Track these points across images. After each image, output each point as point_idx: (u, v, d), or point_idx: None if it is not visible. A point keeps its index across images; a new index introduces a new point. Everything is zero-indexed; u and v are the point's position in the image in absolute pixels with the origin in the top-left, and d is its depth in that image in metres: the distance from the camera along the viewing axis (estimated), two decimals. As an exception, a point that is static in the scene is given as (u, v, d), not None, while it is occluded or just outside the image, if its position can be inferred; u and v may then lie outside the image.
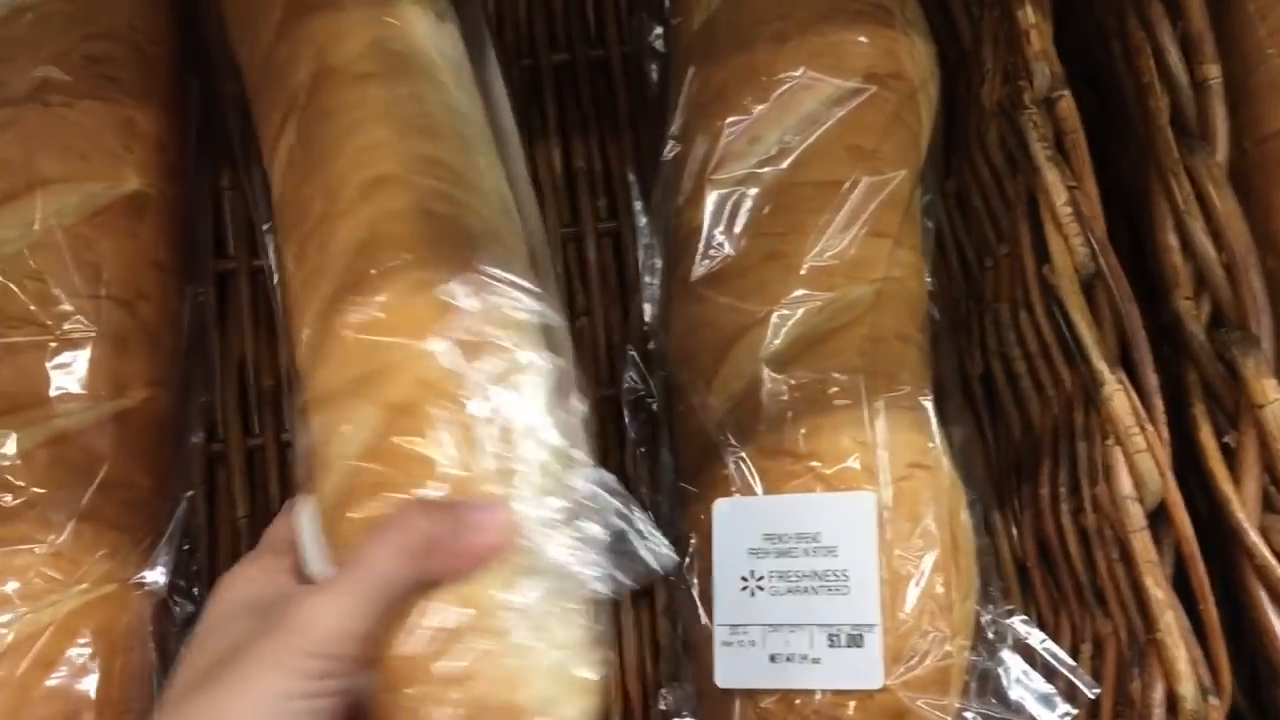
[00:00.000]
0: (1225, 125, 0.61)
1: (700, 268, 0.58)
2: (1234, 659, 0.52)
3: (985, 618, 0.57)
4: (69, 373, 0.54)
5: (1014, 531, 0.63)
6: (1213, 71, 0.61)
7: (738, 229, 0.58)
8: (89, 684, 0.51)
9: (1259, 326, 0.58)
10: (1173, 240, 0.61)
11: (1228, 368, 0.58)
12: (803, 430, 0.55)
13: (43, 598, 0.51)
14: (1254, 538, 0.54)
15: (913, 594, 0.52)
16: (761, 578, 0.53)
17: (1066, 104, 0.60)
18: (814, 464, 0.54)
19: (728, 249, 0.58)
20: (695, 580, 0.56)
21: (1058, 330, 0.59)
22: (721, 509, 0.55)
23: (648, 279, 0.63)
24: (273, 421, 0.64)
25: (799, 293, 0.56)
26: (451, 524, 0.40)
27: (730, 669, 0.53)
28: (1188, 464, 0.56)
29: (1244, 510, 0.55)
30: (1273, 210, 0.61)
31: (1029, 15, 0.60)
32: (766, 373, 0.56)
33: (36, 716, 0.50)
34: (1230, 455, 0.57)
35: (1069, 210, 0.58)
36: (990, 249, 0.65)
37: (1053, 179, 0.58)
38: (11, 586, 0.51)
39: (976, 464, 0.62)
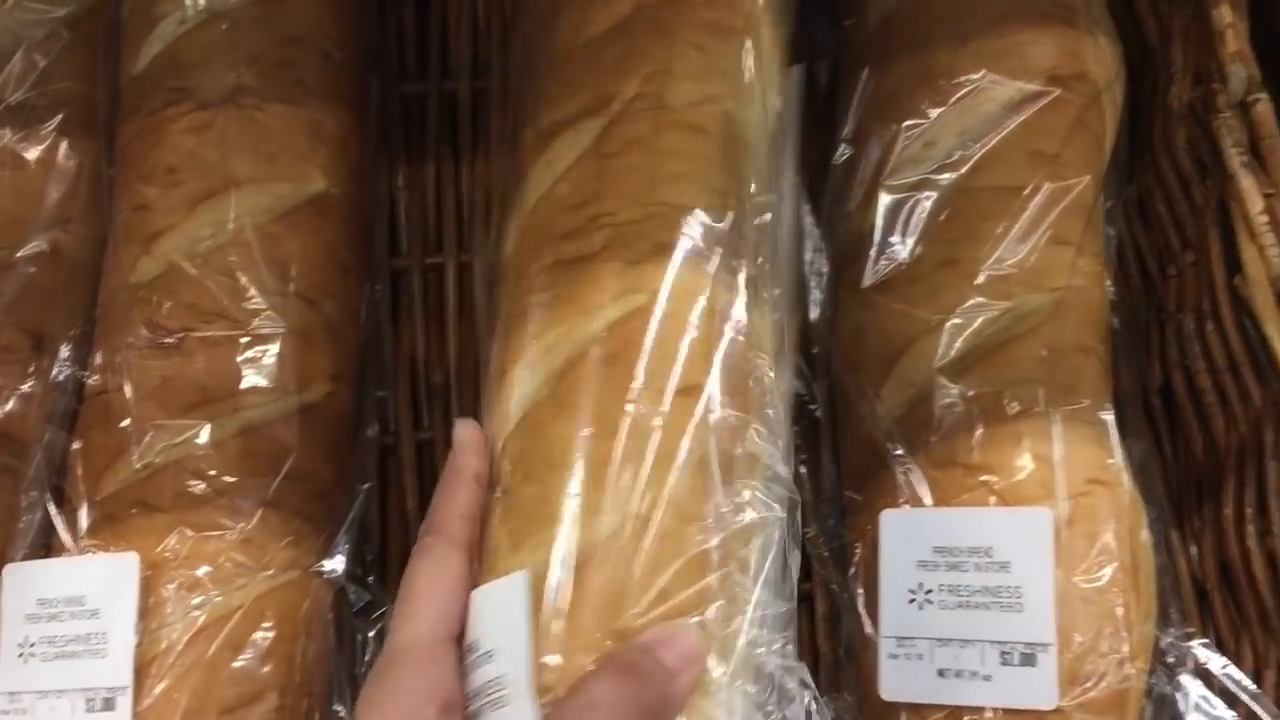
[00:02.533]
0: None
1: (871, 274, 0.57)
2: None
3: (1164, 640, 0.55)
4: (258, 367, 0.56)
5: (1194, 551, 0.61)
6: None
7: (911, 235, 0.57)
8: (273, 667, 0.53)
9: None
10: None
11: None
12: (976, 442, 0.53)
13: (231, 582, 0.53)
14: None
15: (1090, 614, 0.50)
16: (930, 590, 0.52)
17: (1263, 108, 0.57)
18: (988, 477, 0.53)
19: (901, 255, 0.57)
20: (860, 590, 0.55)
21: (1248, 343, 0.57)
22: (890, 520, 0.54)
23: (813, 284, 0.63)
24: (442, 416, 0.66)
25: (975, 301, 0.55)
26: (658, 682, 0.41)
27: (896, 681, 0.52)
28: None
29: None
30: None
31: (1225, 14, 0.58)
32: (939, 381, 0.55)
33: (224, 696, 0.52)
34: None
35: (1265, 219, 0.55)
36: (1174, 257, 0.63)
37: (1247, 185, 0.56)
38: (203, 570, 0.53)
39: (1156, 480, 0.60)
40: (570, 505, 0.47)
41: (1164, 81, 0.63)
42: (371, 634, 0.57)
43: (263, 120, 0.59)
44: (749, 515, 0.49)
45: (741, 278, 0.52)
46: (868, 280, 0.57)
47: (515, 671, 0.44)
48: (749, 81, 0.56)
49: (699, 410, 0.49)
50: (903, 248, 0.57)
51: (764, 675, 0.48)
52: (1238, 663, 0.56)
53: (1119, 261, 0.65)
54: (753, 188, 0.55)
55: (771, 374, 0.52)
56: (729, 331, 0.51)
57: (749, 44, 0.56)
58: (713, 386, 0.49)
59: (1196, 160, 0.61)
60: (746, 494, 0.49)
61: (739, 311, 0.51)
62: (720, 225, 0.52)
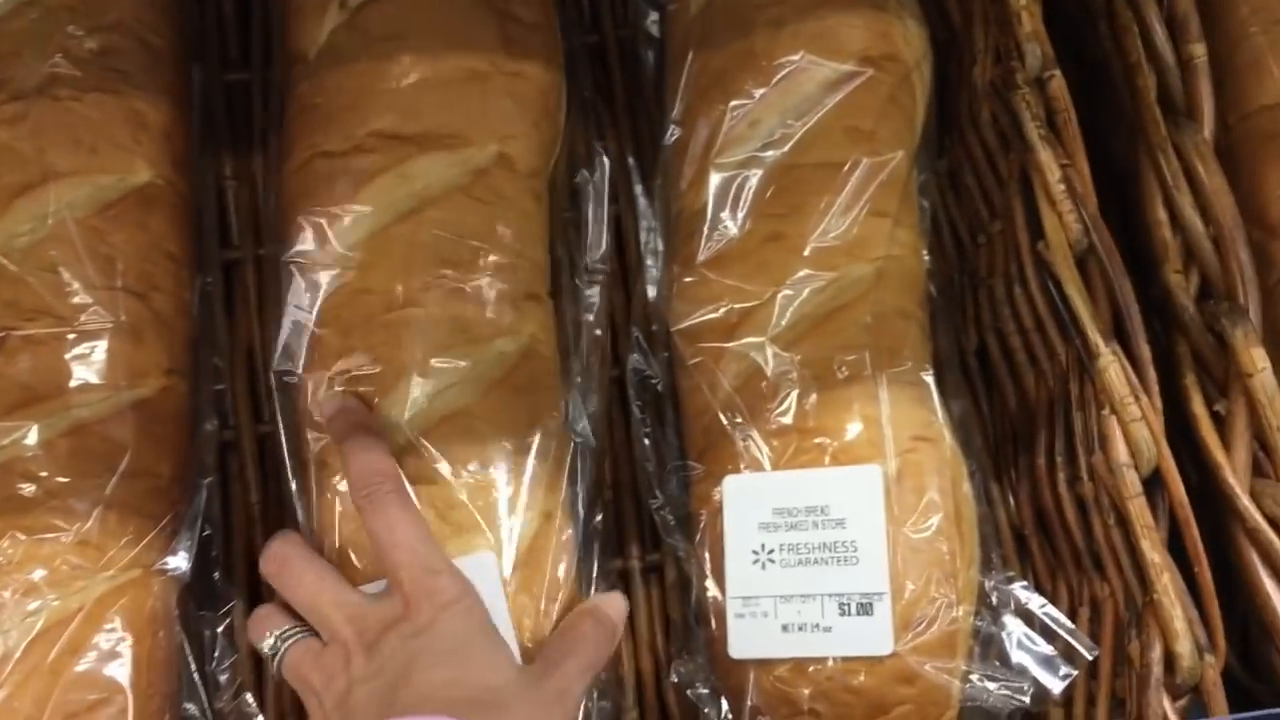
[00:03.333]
0: (1211, 102, 0.63)
1: (705, 251, 0.59)
2: (1226, 621, 0.54)
3: (988, 584, 0.58)
4: (87, 363, 0.55)
5: (1011, 501, 0.65)
6: (1198, 50, 0.63)
7: (740, 212, 0.59)
8: (118, 668, 0.52)
9: (1246, 297, 0.60)
10: (1162, 215, 0.62)
11: (1217, 338, 0.60)
12: (810, 407, 0.56)
13: (70, 584, 0.52)
14: (1245, 502, 0.56)
15: (920, 562, 0.54)
16: (773, 551, 0.55)
17: (1058, 84, 0.61)
18: (821, 439, 0.56)
19: (731, 231, 0.59)
20: (706, 555, 0.57)
21: (1052, 304, 0.61)
22: (731, 485, 0.56)
23: (649, 262, 0.64)
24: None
25: (802, 273, 0.58)
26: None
27: (743, 640, 0.54)
28: (1179, 433, 0.58)
29: (1235, 476, 0.57)
30: (1257, 184, 0.63)
31: (1019, -2, 0.62)
32: (772, 351, 0.57)
33: (67, 702, 0.51)
34: (1220, 423, 0.59)
35: (1062, 187, 0.59)
36: (984, 226, 0.67)
37: (1046, 157, 0.60)
38: (39, 574, 0.51)
39: (975, 436, 0.63)
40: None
41: (968, 61, 0.67)
42: (219, 629, 0.56)
43: (80, 111, 0.58)
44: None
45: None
46: (701, 256, 0.59)
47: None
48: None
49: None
50: (733, 224, 0.59)
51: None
52: (1054, 601, 0.60)
53: (934, 232, 0.69)
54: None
55: None
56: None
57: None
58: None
59: (1000, 135, 0.64)
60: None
61: None
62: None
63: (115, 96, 0.59)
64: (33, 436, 0.53)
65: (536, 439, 0.56)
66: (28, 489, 0.53)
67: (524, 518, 0.54)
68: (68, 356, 0.55)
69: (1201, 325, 0.60)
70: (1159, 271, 0.62)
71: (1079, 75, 0.67)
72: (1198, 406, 0.60)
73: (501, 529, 0.54)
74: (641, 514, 0.63)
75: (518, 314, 0.58)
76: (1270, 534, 0.56)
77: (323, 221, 0.58)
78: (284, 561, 0.52)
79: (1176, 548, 0.55)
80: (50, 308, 0.55)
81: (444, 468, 0.54)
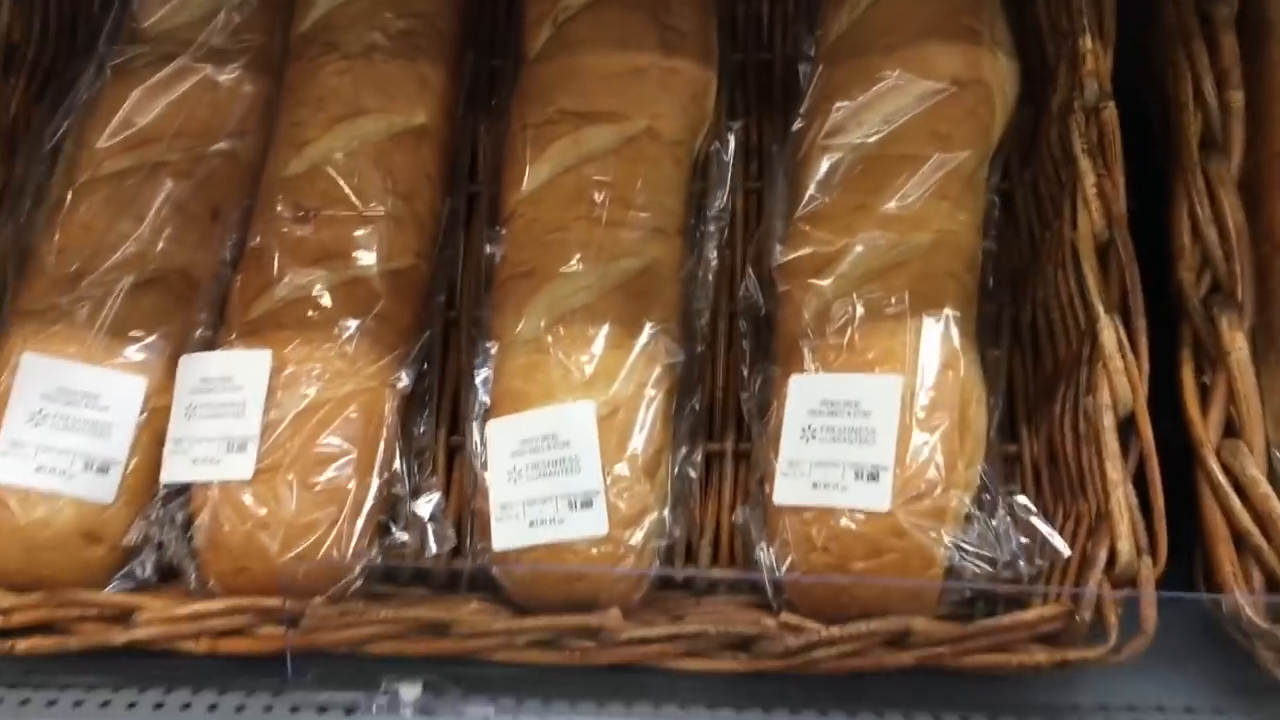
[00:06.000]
0: (1241, 141, 0.77)
1: (805, 209, 0.79)
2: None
3: (999, 495, 0.74)
4: (365, 239, 0.80)
5: (1034, 441, 0.80)
6: (1237, 98, 0.78)
7: (836, 184, 0.79)
8: (353, 438, 0.76)
9: (1243, 297, 0.74)
10: (1185, 225, 0.77)
11: (1212, 324, 0.74)
12: (860, 332, 0.75)
13: (331, 381, 0.77)
14: (1208, 450, 0.71)
15: (923, 450, 0.71)
16: (815, 430, 0.73)
17: (1109, 113, 0.78)
18: (864, 356, 0.74)
19: (827, 198, 0.79)
20: (771, 432, 0.76)
21: (1081, 284, 0.77)
22: (794, 382, 0.75)
23: (776, 220, 0.84)
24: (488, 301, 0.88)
25: (873, 234, 0.76)
26: None
27: (784, 492, 0.73)
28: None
29: (1204, 430, 0.72)
30: (1273, 209, 0.77)
31: (1088, 43, 0.78)
32: (840, 289, 0.76)
33: (316, 453, 0.75)
34: (1206, 393, 0.74)
35: (1094, 191, 0.76)
36: (1048, 222, 0.83)
37: (1085, 166, 0.76)
38: (313, 370, 0.77)
39: (1002, 380, 0.80)
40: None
41: (1051, 91, 0.83)
42: (421, 429, 0.80)
43: (385, 70, 0.84)
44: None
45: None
46: (801, 213, 0.79)
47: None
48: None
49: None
50: (829, 193, 0.79)
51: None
52: (1052, 519, 0.75)
53: (1014, 225, 0.86)
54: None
55: None
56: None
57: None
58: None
59: (1063, 150, 0.81)
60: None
61: None
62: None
63: (410, 63, 0.84)
64: (323, 282, 0.79)
65: (644, 333, 0.77)
66: (314, 314, 0.78)
67: (621, 386, 0.75)
68: (354, 233, 0.80)
69: (1203, 314, 0.75)
70: (1175, 269, 0.77)
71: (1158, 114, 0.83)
72: (1187, 376, 0.75)
73: (604, 390, 0.75)
74: (737, 408, 0.83)
75: (643, 242, 0.79)
76: (1222, 477, 0.70)
77: (518, 171, 0.82)
78: None
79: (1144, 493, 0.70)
80: (347, 199, 0.81)
81: (571, 342, 0.76)
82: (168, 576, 0.78)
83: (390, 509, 0.77)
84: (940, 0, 0.82)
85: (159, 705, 0.74)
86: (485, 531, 0.75)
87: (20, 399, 0.75)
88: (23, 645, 0.73)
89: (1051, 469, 0.78)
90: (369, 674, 0.74)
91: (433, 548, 0.76)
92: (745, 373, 0.82)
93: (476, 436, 0.77)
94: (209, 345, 0.80)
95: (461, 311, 0.88)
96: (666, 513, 0.75)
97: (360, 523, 0.75)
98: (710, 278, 0.82)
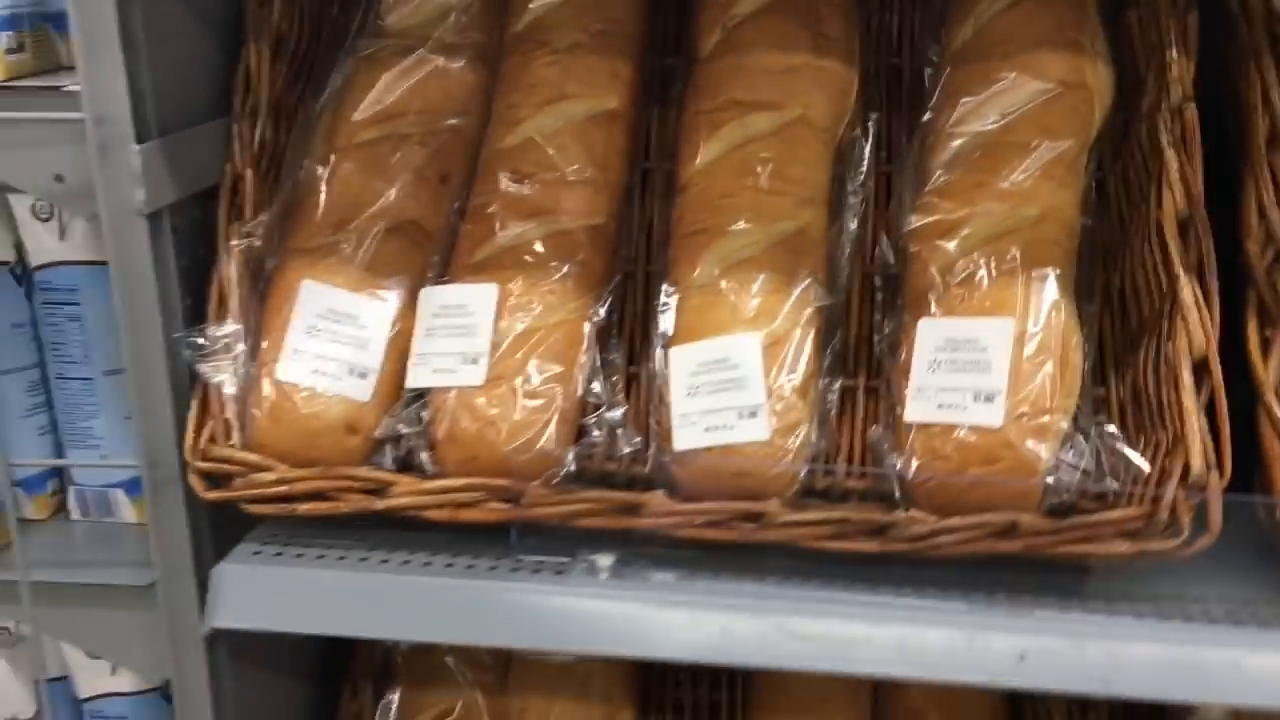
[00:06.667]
0: (1303, 137, 0.93)
1: (933, 184, 0.96)
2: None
3: (1084, 421, 0.90)
4: (567, 199, 0.98)
5: (1120, 386, 0.96)
6: (1299, 103, 0.94)
7: (959, 166, 0.96)
8: (561, 358, 0.94)
9: (1301, 266, 0.90)
10: (1253, 207, 0.93)
11: (1274, 290, 0.90)
12: (978, 285, 0.91)
13: (545, 312, 0.95)
14: (1268, 390, 0.87)
15: (1029, 380, 0.87)
16: (941, 362, 0.90)
17: (1190, 113, 0.94)
18: (985, 303, 0.91)
19: (952, 175, 0.96)
20: (902, 365, 0.93)
21: (1164, 254, 0.93)
22: (924, 324, 0.92)
23: (907, 194, 1.01)
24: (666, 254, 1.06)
25: (990, 206, 0.93)
26: None
27: (915, 411, 0.90)
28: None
29: (1265, 374, 0.88)
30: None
31: (1174, 54, 0.95)
32: (961, 249, 0.93)
33: (531, 370, 0.93)
34: (1268, 345, 0.90)
35: (1177, 176, 0.92)
36: (1135, 204, 0.99)
37: (1170, 156, 0.93)
38: (530, 303, 0.95)
39: (1095, 330, 0.96)
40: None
41: (1140, 96, 1.00)
42: (615, 356, 0.98)
43: (584, 63, 1.02)
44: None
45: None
46: (929, 187, 0.96)
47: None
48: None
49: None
50: (954, 171, 0.95)
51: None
52: (1132, 447, 0.91)
53: (1106, 205, 1.02)
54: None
55: None
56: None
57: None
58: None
59: (1152, 144, 0.97)
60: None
61: None
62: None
63: (605, 58, 1.03)
64: (535, 232, 0.97)
65: (798, 281, 0.93)
66: (529, 259, 0.96)
67: (779, 323, 0.92)
68: (559, 194, 0.98)
69: (1266, 280, 0.91)
70: (1244, 244, 0.93)
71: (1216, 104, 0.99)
72: (1252, 331, 0.91)
73: (765, 326, 0.92)
74: (868, 353, 1.00)
75: (796, 209, 0.96)
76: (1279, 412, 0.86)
77: (694, 148, 1.00)
78: None
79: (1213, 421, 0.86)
80: (555, 166, 0.99)
81: (738, 286, 0.93)
82: (402, 470, 0.96)
83: (588, 416, 0.95)
84: (1051, 16, 0.98)
85: (405, 562, 0.92)
86: (666, 438, 0.92)
87: (300, 317, 0.94)
88: (302, 509, 0.91)
89: (1134, 406, 0.94)
90: (573, 545, 0.92)
91: (622, 448, 0.94)
92: (879, 319, 0.99)
93: (660, 361, 0.95)
94: (438, 283, 0.99)
95: (637, 264, 1.06)
96: (814, 428, 0.92)
97: (566, 424, 0.93)
98: (849, 242, 0.99)
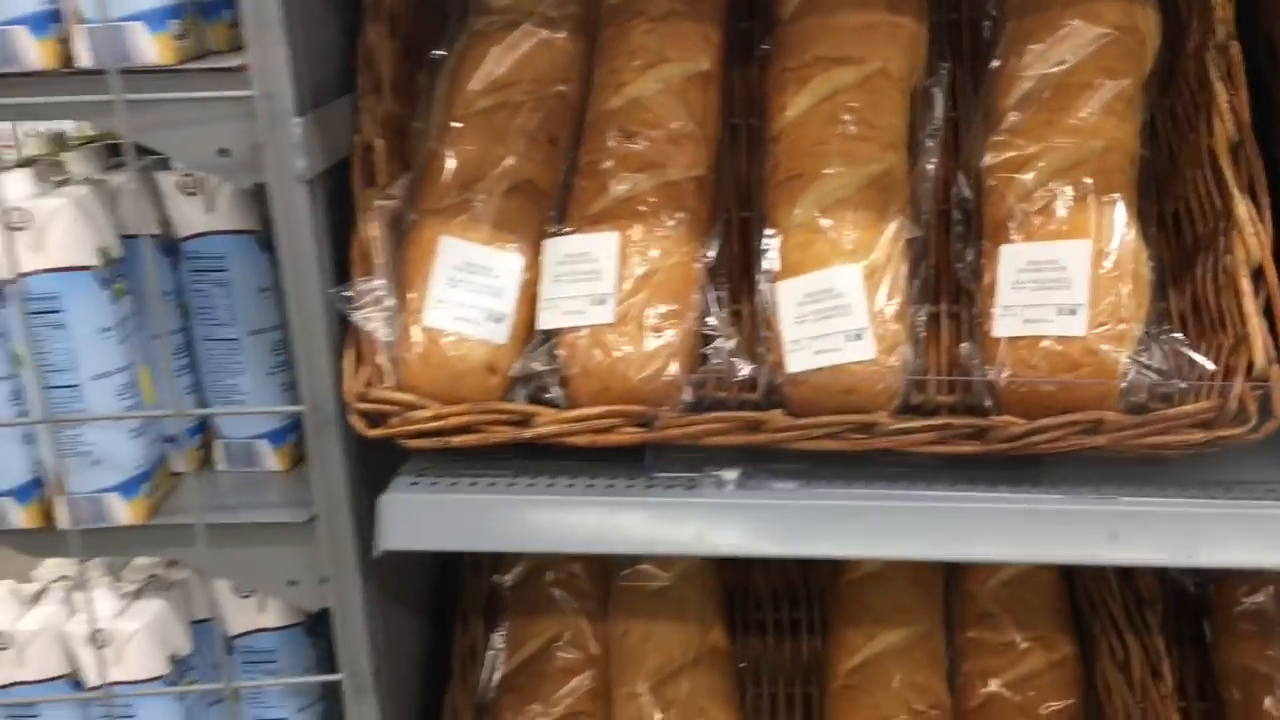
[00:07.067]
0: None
1: (1006, 122, 1.06)
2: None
3: (1153, 330, 1.01)
4: (673, 151, 1.08)
5: (1179, 299, 1.07)
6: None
7: (1029, 107, 1.06)
8: (681, 292, 1.04)
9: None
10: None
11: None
12: (1054, 211, 1.02)
13: (661, 255, 1.05)
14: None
15: (1108, 293, 0.98)
16: (1025, 282, 1.00)
17: (1235, 49, 1.04)
18: (1059, 228, 1.01)
19: (1024, 118, 1.06)
20: (987, 286, 1.03)
21: (1216, 179, 1.03)
22: (1006, 250, 1.02)
23: (980, 134, 1.11)
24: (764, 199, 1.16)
25: (1060, 141, 1.03)
26: None
27: (1003, 326, 1.00)
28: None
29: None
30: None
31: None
32: (1037, 180, 1.03)
33: (654, 307, 1.03)
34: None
35: (1228, 107, 1.02)
36: (1184, 135, 1.10)
37: (1219, 88, 1.03)
38: (647, 248, 1.05)
39: (1159, 249, 1.06)
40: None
41: (1187, 35, 1.10)
42: (722, 293, 1.08)
43: (677, 28, 1.12)
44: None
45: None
46: (1003, 124, 1.06)
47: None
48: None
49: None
50: (1025, 111, 1.06)
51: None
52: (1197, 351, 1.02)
53: (1156, 139, 1.12)
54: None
55: None
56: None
57: None
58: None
59: (1199, 80, 1.07)
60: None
61: None
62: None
63: (697, 23, 1.12)
64: (647, 183, 1.07)
65: (888, 217, 1.04)
66: (643, 208, 1.06)
67: (875, 255, 1.02)
68: (665, 148, 1.08)
69: (1308, 196, 1.02)
70: (1288, 163, 1.04)
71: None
72: (1298, 242, 1.01)
73: (864, 258, 1.02)
74: (947, 281, 1.10)
75: (881, 152, 1.06)
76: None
77: (783, 102, 1.10)
78: None
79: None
80: (660, 122, 1.08)
81: (835, 224, 1.03)
82: (531, 404, 1.06)
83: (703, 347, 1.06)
84: (1104, -31, 1.09)
85: (550, 484, 1.02)
86: (776, 362, 1.03)
87: (440, 270, 1.04)
88: (455, 440, 1.01)
89: (1194, 316, 1.05)
90: (698, 462, 1.02)
91: (737, 374, 1.04)
92: (960, 249, 1.09)
93: (766, 295, 1.05)
94: (559, 235, 1.08)
95: (731, 211, 1.16)
96: (910, 348, 1.03)
97: (686, 355, 1.03)
98: (928, 181, 1.09)
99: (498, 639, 1.35)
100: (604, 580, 1.36)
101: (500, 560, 1.37)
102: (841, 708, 1.27)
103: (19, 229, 0.97)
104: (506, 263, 1.06)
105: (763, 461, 1.03)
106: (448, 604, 1.36)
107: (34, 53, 0.94)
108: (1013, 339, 1.00)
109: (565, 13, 1.15)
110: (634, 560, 1.33)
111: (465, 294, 1.04)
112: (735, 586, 1.44)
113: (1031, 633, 1.29)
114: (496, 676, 1.33)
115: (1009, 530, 0.96)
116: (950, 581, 1.34)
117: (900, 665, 1.28)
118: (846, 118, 1.07)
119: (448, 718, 1.30)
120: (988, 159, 1.07)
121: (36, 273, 0.99)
